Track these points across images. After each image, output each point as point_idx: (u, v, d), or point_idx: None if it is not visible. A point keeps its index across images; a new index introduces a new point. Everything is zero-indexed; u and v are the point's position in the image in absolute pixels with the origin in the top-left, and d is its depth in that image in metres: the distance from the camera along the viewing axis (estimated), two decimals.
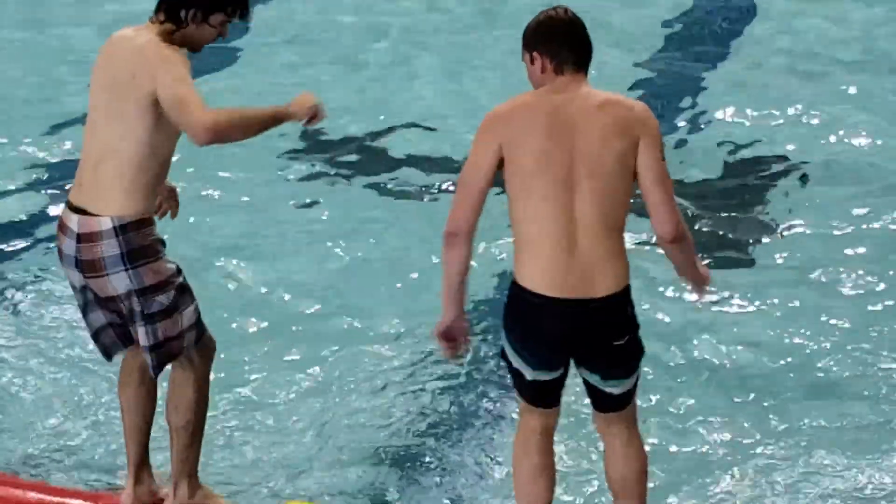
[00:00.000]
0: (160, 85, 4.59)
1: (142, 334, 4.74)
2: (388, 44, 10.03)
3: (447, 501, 5.40)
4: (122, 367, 5.05)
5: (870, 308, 6.71)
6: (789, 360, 6.27)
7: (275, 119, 4.90)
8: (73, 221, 4.66)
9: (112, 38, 4.88)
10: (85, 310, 4.85)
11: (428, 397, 6.03)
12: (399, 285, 6.79)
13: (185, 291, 4.91)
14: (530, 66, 4.71)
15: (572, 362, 4.80)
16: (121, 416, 5.08)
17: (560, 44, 4.68)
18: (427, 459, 5.67)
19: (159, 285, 4.74)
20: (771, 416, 5.87)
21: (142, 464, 5.03)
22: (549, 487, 4.88)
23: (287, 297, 6.63)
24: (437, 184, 7.89)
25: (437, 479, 5.59)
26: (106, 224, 4.59)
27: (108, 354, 4.98)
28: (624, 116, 4.63)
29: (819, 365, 6.25)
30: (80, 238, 4.64)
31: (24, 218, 7.72)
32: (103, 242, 4.63)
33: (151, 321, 4.76)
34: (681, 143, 8.49)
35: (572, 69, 4.67)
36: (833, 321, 6.56)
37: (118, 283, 4.64)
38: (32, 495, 5.29)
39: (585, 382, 4.80)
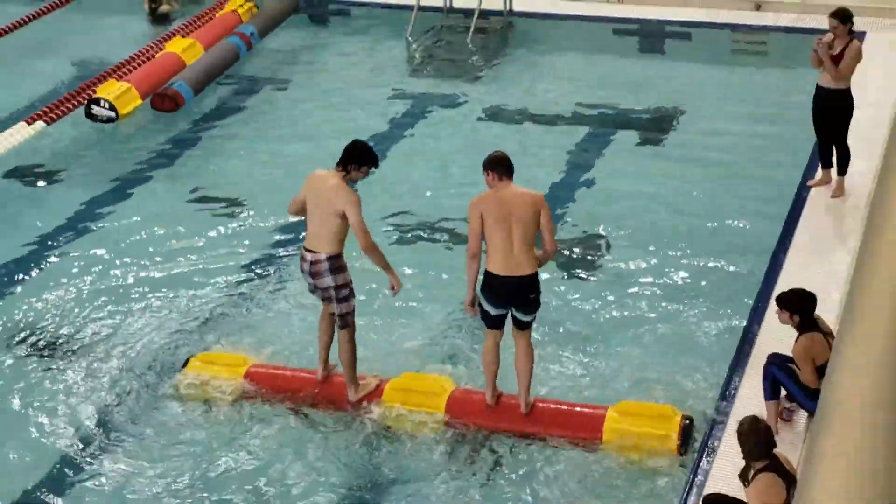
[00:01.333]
0: (350, 214, 8.36)
1: (335, 307, 8.90)
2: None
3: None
4: (322, 313, 9.22)
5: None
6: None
7: (386, 271, 8.55)
8: (308, 256, 8.75)
9: (316, 172, 8.64)
10: (312, 292, 9.08)
11: (458, 336, 10.30)
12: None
13: (352, 292, 8.77)
14: (486, 177, 8.29)
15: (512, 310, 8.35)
16: (318, 334, 9.36)
17: (499, 167, 8.30)
18: (459, 346, 10.03)
19: (344, 285, 8.79)
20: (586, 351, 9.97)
21: (325, 359, 9.26)
22: (497, 365, 8.64)
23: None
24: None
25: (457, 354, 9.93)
26: (322, 257, 8.71)
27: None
28: (532, 200, 8.17)
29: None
30: (312, 264, 8.79)
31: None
32: (322, 264, 8.72)
33: (339, 302, 8.81)
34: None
35: (506, 178, 8.25)
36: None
37: (327, 281, 8.77)
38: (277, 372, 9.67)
39: (513, 316, 8.36)
